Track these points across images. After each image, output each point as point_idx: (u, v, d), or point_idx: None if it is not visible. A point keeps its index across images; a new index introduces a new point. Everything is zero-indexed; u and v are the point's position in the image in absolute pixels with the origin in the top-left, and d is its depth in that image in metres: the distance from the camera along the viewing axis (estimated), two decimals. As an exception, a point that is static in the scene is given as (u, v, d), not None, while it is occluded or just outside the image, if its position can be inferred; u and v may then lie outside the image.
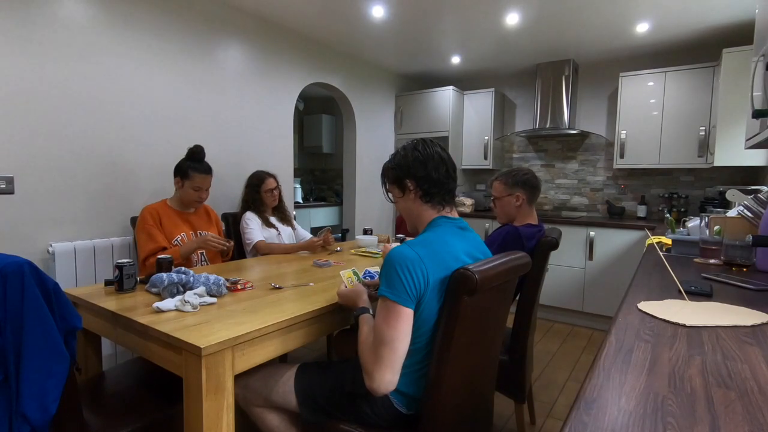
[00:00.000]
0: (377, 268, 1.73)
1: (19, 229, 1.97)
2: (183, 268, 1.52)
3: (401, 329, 1.02)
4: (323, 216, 5.12)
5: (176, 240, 2.05)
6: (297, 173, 4.23)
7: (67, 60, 2.08)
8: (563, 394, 2.35)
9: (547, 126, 3.85)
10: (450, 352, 1.04)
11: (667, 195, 3.61)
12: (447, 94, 4.11)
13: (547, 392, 2.37)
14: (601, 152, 3.96)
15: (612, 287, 3.35)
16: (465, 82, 4.66)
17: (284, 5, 2.78)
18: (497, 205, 1.92)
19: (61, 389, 0.92)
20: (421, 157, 1.19)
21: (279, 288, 1.55)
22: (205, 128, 2.72)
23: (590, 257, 3.42)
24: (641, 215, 3.67)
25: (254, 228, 2.39)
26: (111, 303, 1.35)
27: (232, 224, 2.59)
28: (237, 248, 2.51)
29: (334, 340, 1.88)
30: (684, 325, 0.92)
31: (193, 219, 2.18)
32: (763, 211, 1.63)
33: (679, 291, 1.20)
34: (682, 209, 3.51)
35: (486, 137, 4.20)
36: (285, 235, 2.56)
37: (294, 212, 3.20)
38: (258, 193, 2.51)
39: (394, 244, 2.05)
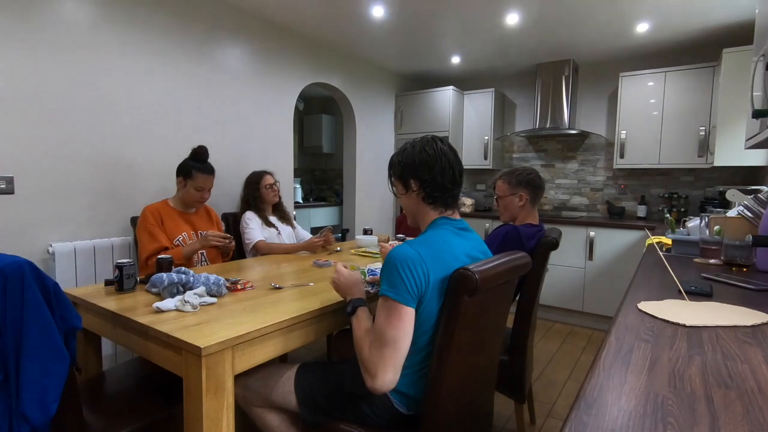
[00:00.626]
0: (379, 265, 1.73)
1: (19, 229, 1.97)
2: (183, 268, 1.52)
3: (403, 329, 1.02)
4: (323, 216, 5.13)
5: (177, 240, 2.05)
6: (297, 173, 4.23)
7: (68, 60, 2.08)
8: (563, 394, 2.35)
9: (547, 126, 3.85)
10: (450, 352, 1.04)
11: (667, 195, 3.61)
12: (447, 94, 4.11)
13: (547, 392, 2.37)
14: (601, 152, 3.96)
15: (612, 287, 3.35)
16: (465, 82, 4.66)
17: (284, 5, 2.78)
18: (500, 204, 1.92)
19: (61, 389, 0.92)
20: (429, 159, 1.16)
21: (279, 288, 1.55)
22: (205, 128, 2.72)
23: (590, 257, 3.42)
24: (641, 215, 3.67)
25: (254, 228, 2.39)
26: (111, 303, 1.35)
27: (232, 224, 2.59)
28: (237, 248, 2.51)
29: (334, 340, 1.88)
30: (684, 325, 0.92)
31: (194, 219, 2.18)
32: (763, 211, 1.63)
33: (679, 291, 1.20)
34: (682, 209, 3.51)
35: (486, 137, 4.20)
36: (285, 234, 2.55)
37: (294, 212, 3.20)
38: (257, 191, 2.50)
39: (393, 243, 2.05)
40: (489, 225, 3.91)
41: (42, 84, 2.01)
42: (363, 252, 2.37)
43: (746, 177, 3.32)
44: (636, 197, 3.80)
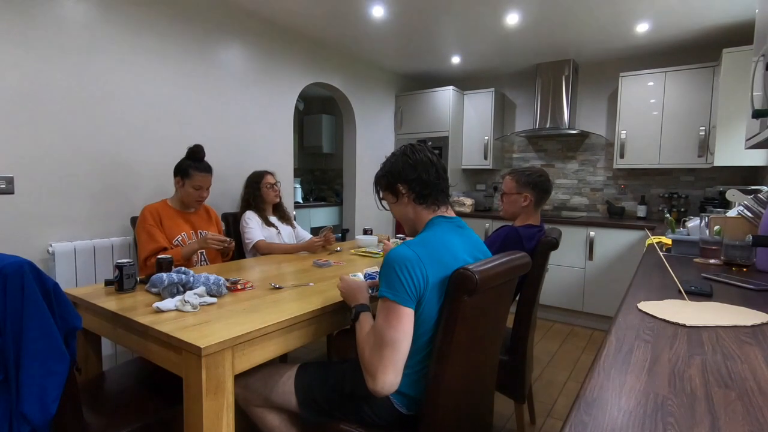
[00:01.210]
0: (377, 269, 1.73)
1: (19, 229, 1.97)
2: (183, 268, 1.52)
3: (403, 329, 1.02)
4: (323, 216, 5.13)
5: (177, 240, 2.05)
6: (297, 173, 4.23)
7: (68, 60, 2.08)
8: (563, 394, 2.35)
9: (547, 126, 3.85)
10: (450, 353, 1.04)
11: (667, 195, 3.61)
12: (447, 94, 4.11)
13: (547, 392, 2.37)
14: (601, 152, 3.96)
15: (612, 287, 3.35)
16: (465, 82, 4.66)
17: (284, 5, 2.78)
18: (504, 200, 1.92)
19: (61, 389, 0.92)
20: (411, 161, 1.20)
21: (279, 288, 1.55)
22: (205, 128, 2.72)
23: (590, 257, 3.42)
24: (641, 215, 3.67)
25: (254, 227, 2.39)
26: (111, 303, 1.35)
27: (232, 224, 2.59)
28: (237, 248, 2.51)
29: (334, 340, 1.88)
30: (684, 325, 0.92)
31: (194, 219, 2.18)
32: (763, 211, 1.63)
33: (679, 291, 1.20)
34: (682, 209, 3.51)
35: (486, 137, 4.20)
36: (285, 234, 2.55)
37: (294, 212, 3.20)
38: (258, 191, 2.50)
39: (395, 242, 2.05)
40: (489, 225, 3.91)
41: (42, 84, 2.01)
42: (363, 252, 2.37)
43: (746, 177, 3.32)
44: (636, 197, 3.80)
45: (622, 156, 3.54)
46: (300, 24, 3.10)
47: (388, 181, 1.24)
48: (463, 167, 4.41)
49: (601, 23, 2.99)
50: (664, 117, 3.36)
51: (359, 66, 3.95)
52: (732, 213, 1.84)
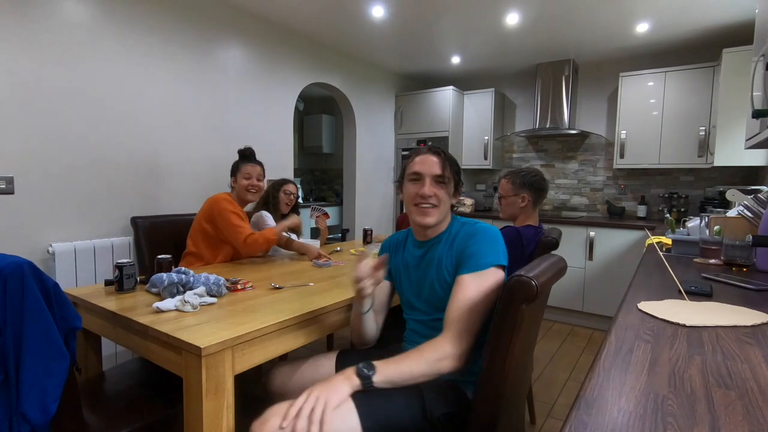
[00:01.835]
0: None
1: (19, 229, 1.97)
2: (183, 268, 1.52)
3: (497, 293, 1.07)
4: (323, 216, 5.12)
5: None
6: (297, 173, 4.23)
7: (68, 60, 2.08)
8: (563, 394, 2.35)
9: (547, 126, 3.85)
10: (505, 366, 0.97)
11: (667, 195, 3.61)
12: (447, 94, 4.11)
13: (547, 392, 2.37)
14: (601, 152, 3.96)
15: (612, 287, 3.35)
16: (465, 82, 4.66)
17: (284, 5, 2.78)
18: (502, 203, 1.94)
19: (61, 389, 0.92)
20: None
21: (279, 288, 1.55)
22: (205, 128, 2.72)
23: (590, 257, 3.42)
24: (641, 215, 3.67)
25: (271, 224, 2.43)
26: (111, 303, 1.35)
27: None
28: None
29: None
30: (684, 325, 0.92)
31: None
32: (763, 211, 1.63)
33: (679, 291, 1.20)
34: (682, 209, 3.51)
35: (486, 137, 4.20)
36: None
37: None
38: (278, 193, 2.55)
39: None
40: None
41: (42, 84, 2.01)
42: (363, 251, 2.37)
43: (746, 177, 3.32)
44: (636, 197, 3.80)
45: (622, 156, 3.54)
46: (300, 24, 3.10)
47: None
48: (463, 167, 4.39)
49: (601, 23, 2.99)
50: (664, 117, 3.36)
51: (359, 66, 3.95)
52: (732, 213, 1.84)
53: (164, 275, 1.42)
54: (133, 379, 1.47)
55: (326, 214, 2.59)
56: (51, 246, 2.04)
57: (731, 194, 2.31)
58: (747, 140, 1.82)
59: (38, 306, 0.87)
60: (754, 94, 1.55)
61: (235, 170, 2.16)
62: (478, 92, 4.23)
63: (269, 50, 3.08)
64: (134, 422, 1.20)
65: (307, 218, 2.76)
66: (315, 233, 2.82)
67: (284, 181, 2.61)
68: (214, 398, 1.06)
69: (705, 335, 0.86)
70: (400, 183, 1.29)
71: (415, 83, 4.73)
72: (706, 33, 3.15)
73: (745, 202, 1.72)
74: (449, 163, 1.23)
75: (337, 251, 2.43)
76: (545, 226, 1.94)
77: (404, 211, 1.32)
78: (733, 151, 2.83)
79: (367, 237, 2.71)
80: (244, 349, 1.13)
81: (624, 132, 3.51)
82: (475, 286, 1.08)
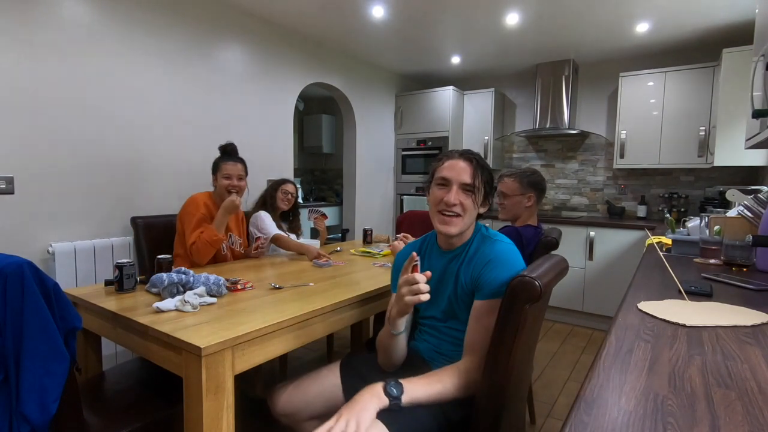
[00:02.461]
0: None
1: (19, 229, 1.97)
2: (183, 268, 1.52)
3: None
4: (323, 216, 5.12)
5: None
6: (297, 173, 4.23)
7: (68, 60, 2.08)
8: (563, 394, 2.35)
9: (547, 126, 3.85)
10: (508, 366, 0.98)
11: (667, 195, 3.61)
12: (447, 94, 4.11)
13: (547, 392, 2.37)
14: (601, 152, 3.96)
15: (612, 287, 3.35)
16: (465, 82, 4.66)
17: (284, 5, 2.78)
18: (506, 202, 1.89)
19: (61, 389, 0.92)
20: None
21: (279, 288, 1.55)
22: (205, 128, 2.72)
23: (590, 257, 3.42)
24: (641, 215, 3.67)
25: (270, 224, 2.43)
26: (111, 303, 1.35)
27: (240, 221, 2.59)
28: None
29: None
30: (684, 325, 0.92)
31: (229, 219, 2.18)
32: (763, 211, 1.63)
33: (679, 291, 1.20)
34: (682, 209, 3.51)
35: (486, 137, 4.20)
36: None
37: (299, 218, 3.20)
38: (275, 192, 2.55)
39: (398, 243, 2.05)
40: (489, 225, 3.90)
41: (42, 84, 2.00)
42: (363, 252, 2.37)
43: (746, 177, 3.32)
44: (636, 197, 3.80)
45: (622, 156, 3.54)
46: (300, 24, 3.10)
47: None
48: (463, 167, 4.39)
49: (601, 23, 2.99)
50: (664, 117, 3.36)
51: (359, 66, 3.95)
52: (732, 213, 1.84)
53: (164, 275, 1.42)
54: (133, 379, 1.47)
55: (324, 215, 2.60)
56: (51, 246, 2.04)
57: (731, 194, 2.31)
58: (747, 140, 1.82)
59: (38, 306, 0.87)
60: (754, 94, 1.55)
61: (215, 168, 2.12)
62: (478, 92, 4.23)
63: (269, 50, 3.08)
64: (134, 422, 1.20)
65: (305, 220, 2.77)
66: (315, 233, 2.82)
67: (283, 181, 2.61)
68: (214, 398, 1.06)
69: (705, 335, 0.86)
70: (427, 185, 1.23)
71: (415, 83, 4.73)
72: (706, 33, 3.15)
73: (745, 202, 1.72)
74: (481, 170, 1.16)
75: (337, 251, 2.43)
76: (545, 226, 1.93)
77: (404, 212, 1.28)
78: (733, 151, 2.83)
79: (367, 237, 2.71)
80: (244, 349, 1.13)
81: (624, 132, 3.51)
82: (494, 313, 1.04)
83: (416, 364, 1.22)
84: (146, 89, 2.40)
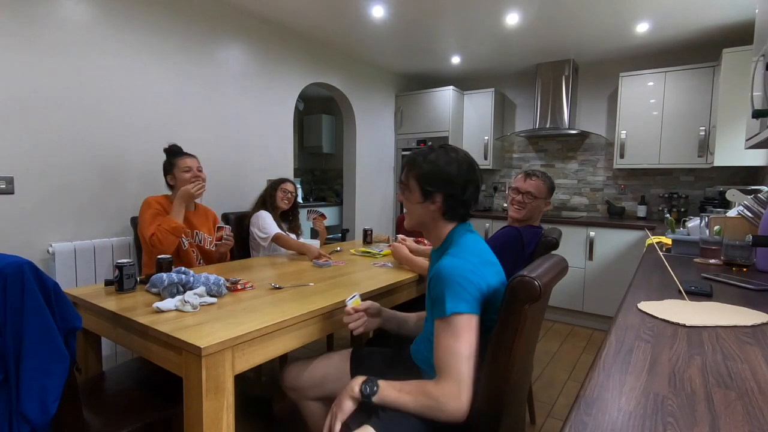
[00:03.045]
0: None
1: (19, 229, 1.97)
2: (183, 269, 1.52)
3: (474, 339, 0.97)
4: (323, 216, 5.12)
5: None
6: (297, 173, 4.23)
7: (68, 60, 2.08)
8: (563, 394, 2.35)
9: (547, 126, 3.85)
10: (508, 366, 0.97)
11: (667, 195, 3.61)
12: (447, 94, 4.11)
13: (547, 392, 2.37)
14: (601, 152, 3.96)
15: (612, 287, 3.35)
16: (465, 82, 4.66)
17: (284, 5, 2.78)
18: (529, 204, 1.81)
19: (61, 389, 0.92)
20: (464, 175, 1.10)
21: (279, 288, 1.55)
22: (205, 128, 2.71)
23: (590, 257, 3.42)
24: (641, 215, 3.67)
25: (270, 223, 2.42)
26: (111, 303, 1.35)
27: (234, 222, 2.59)
28: (242, 248, 2.51)
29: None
30: (684, 325, 0.92)
31: (192, 217, 2.17)
32: (763, 211, 1.63)
33: (679, 291, 1.20)
34: (682, 209, 3.51)
35: (486, 137, 4.20)
36: None
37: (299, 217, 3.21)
38: (275, 191, 2.55)
39: (398, 243, 2.05)
40: (489, 225, 3.91)
41: (42, 84, 2.00)
42: (363, 252, 2.37)
43: (746, 177, 3.32)
44: (636, 197, 3.80)
45: (622, 156, 3.54)
46: (300, 24, 3.10)
47: (428, 182, 1.11)
48: (463, 167, 4.39)
49: (601, 23, 2.99)
50: (664, 117, 3.36)
51: (359, 66, 3.95)
52: (732, 213, 1.84)
53: (164, 275, 1.42)
54: (133, 379, 1.47)
55: (323, 215, 2.60)
56: (51, 246, 2.04)
57: (731, 194, 2.31)
58: (747, 140, 1.82)
59: (38, 306, 0.87)
60: (754, 94, 1.55)
61: (169, 167, 2.06)
62: (478, 92, 4.23)
63: (269, 50, 3.08)
64: (134, 422, 1.20)
65: (304, 221, 2.77)
66: (315, 233, 2.82)
67: (282, 180, 2.60)
68: (214, 398, 1.06)
69: (705, 335, 0.86)
70: None
71: (415, 83, 4.73)
72: (706, 33, 3.15)
73: (745, 202, 1.72)
74: (410, 166, 1.14)
75: (337, 251, 2.43)
76: (545, 226, 1.93)
77: (404, 212, 1.26)
78: (733, 151, 2.83)
79: (367, 237, 2.71)
80: (244, 349, 1.13)
81: (624, 132, 3.51)
82: (445, 334, 0.98)
83: (408, 365, 1.24)
84: (146, 89, 2.40)
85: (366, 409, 1.06)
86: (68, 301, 0.95)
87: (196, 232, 2.13)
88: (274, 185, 2.58)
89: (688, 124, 3.27)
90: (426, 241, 2.16)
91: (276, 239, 2.36)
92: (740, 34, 3.13)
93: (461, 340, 0.96)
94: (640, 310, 1.02)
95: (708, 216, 1.88)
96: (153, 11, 2.40)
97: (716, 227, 1.72)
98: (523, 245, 1.73)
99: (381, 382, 1.04)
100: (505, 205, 1.94)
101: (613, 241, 3.34)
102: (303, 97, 5.21)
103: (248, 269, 1.92)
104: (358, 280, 1.73)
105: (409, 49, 3.64)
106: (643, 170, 3.76)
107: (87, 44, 2.15)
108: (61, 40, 2.06)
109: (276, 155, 3.22)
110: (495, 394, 0.99)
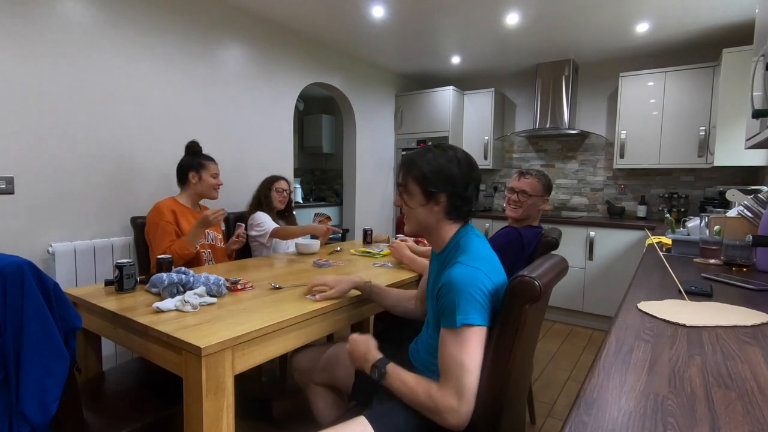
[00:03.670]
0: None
1: (19, 229, 1.97)
2: (183, 268, 1.52)
3: (480, 352, 0.97)
4: (323, 216, 5.12)
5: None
6: (297, 173, 4.23)
7: (68, 60, 2.08)
8: (563, 394, 2.35)
9: (547, 126, 3.85)
10: (508, 366, 0.97)
11: (667, 195, 3.61)
12: (447, 94, 4.11)
13: (547, 392, 2.37)
14: (601, 152, 3.96)
15: (612, 287, 3.35)
16: (465, 82, 4.66)
17: (284, 5, 2.78)
18: (526, 202, 1.81)
19: (61, 389, 0.92)
20: (466, 174, 1.08)
21: (279, 288, 1.55)
22: (205, 128, 2.71)
23: (590, 257, 3.42)
24: (641, 215, 3.67)
25: (267, 219, 2.42)
26: (111, 303, 1.35)
27: (232, 222, 2.59)
28: (242, 249, 2.50)
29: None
30: (684, 325, 0.92)
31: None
32: (763, 211, 1.63)
33: (679, 291, 1.20)
34: (682, 209, 3.51)
35: (486, 137, 4.20)
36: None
37: (294, 212, 3.20)
38: (269, 191, 2.54)
39: (398, 243, 2.04)
40: (489, 225, 3.91)
41: (42, 84, 2.00)
42: (363, 251, 2.37)
43: (746, 177, 3.32)
44: (636, 197, 3.80)
45: (622, 156, 3.54)
46: (300, 24, 3.10)
47: (431, 182, 1.08)
48: (463, 167, 4.39)
49: (601, 23, 2.99)
50: (664, 117, 3.36)
51: (359, 66, 3.95)
52: (732, 213, 1.84)
53: (164, 275, 1.42)
54: (133, 379, 1.47)
55: (328, 218, 2.58)
56: (51, 246, 2.04)
57: (731, 194, 2.31)
58: (747, 140, 1.82)
59: (38, 306, 0.87)
60: (754, 94, 1.55)
61: (199, 166, 2.10)
62: (478, 92, 4.23)
63: (269, 50, 3.08)
64: (134, 422, 1.20)
65: (304, 221, 2.77)
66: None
67: (275, 178, 2.55)
68: (214, 398, 1.06)
69: (705, 335, 0.86)
70: None
71: (415, 83, 4.73)
72: (706, 33, 3.15)
73: (745, 202, 1.72)
74: (407, 167, 1.12)
75: (337, 251, 2.43)
76: (545, 226, 1.93)
77: (404, 217, 1.24)
78: (733, 151, 2.83)
79: (367, 237, 2.71)
80: (244, 349, 1.13)
81: (624, 132, 3.51)
82: (453, 344, 0.97)
83: (407, 366, 1.22)
84: (146, 89, 2.40)
85: (362, 400, 1.11)
86: (68, 301, 0.95)
87: (208, 232, 2.14)
88: (268, 184, 2.55)
89: (688, 124, 3.27)
90: (426, 242, 2.16)
91: (275, 233, 2.35)
92: (740, 34, 3.13)
93: (468, 353, 0.95)
94: (640, 310, 1.02)
95: (708, 216, 1.88)
96: (153, 11, 2.40)
97: (716, 227, 1.72)
98: (523, 245, 1.73)
99: (389, 369, 1.06)
100: (505, 205, 1.93)
101: (613, 241, 3.34)
102: (303, 97, 5.21)
103: (248, 269, 1.92)
104: (358, 280, 1.73)
105: (409, 49, 3.64)
106: (643, 170, 3.76)
107: (87, 44, 2.15)
108: (61, 40, 2.06)
109: (276, 155, 3.22)
110: (495, 393, 0.99)
